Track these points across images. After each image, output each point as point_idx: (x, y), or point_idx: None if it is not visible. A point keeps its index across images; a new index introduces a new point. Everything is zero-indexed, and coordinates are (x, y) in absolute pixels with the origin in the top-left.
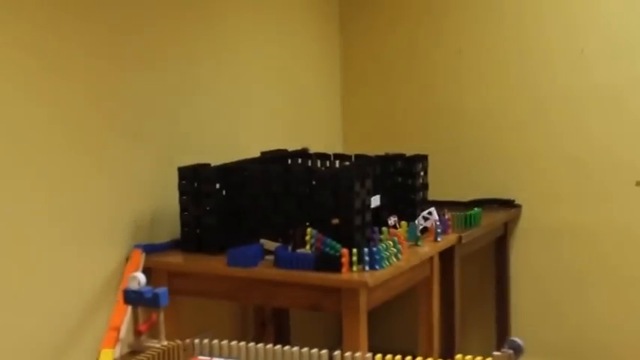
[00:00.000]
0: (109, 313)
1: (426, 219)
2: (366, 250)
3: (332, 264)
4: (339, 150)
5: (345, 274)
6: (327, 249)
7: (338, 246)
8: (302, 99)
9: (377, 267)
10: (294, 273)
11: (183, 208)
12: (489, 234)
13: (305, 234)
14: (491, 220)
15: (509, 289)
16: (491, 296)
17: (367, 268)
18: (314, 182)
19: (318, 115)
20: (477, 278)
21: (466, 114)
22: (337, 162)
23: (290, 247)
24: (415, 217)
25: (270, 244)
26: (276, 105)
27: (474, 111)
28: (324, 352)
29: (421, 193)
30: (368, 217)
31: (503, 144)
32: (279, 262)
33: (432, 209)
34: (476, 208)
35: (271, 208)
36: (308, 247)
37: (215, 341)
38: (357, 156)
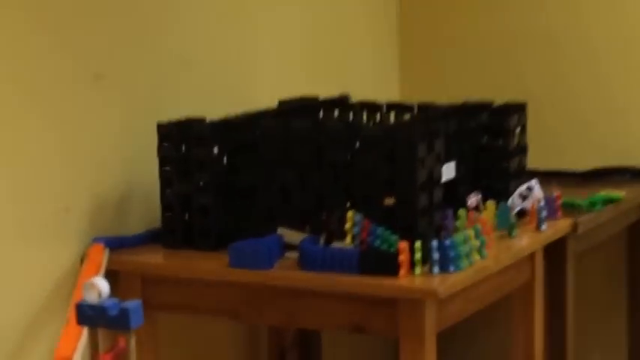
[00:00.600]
0: (54, 337)
1: (524, 198)
2: (434, 243)
3: (384, 264)
4: (395, 98)
5: (403, 279)
6: (378, 242)
7: (394, 238)
8: (339, 23)
9: (451, 268)
10: (328, 277)
11: (165, 183)
12: (619, 219)
13: (344, 220)
14: (622, 198)
15: None
16: (621, 306)
17: (437, 270)
18: (358, 144)
19: (363, 49)
20: (600, 282)
21: (579, 45)
22: (392, 115)
23: (322, 240)
24: (508, 195)
25: (292, 236)
26: (301, 32)
27: (590, 40)
28: None
29: (517, 159)
30: (438, 195)
31: (633, 88)
32: (305, 262)
33: (534, 183)
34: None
35: (294, 183)
36: (349, 239)
37: None
38: (422, 106)
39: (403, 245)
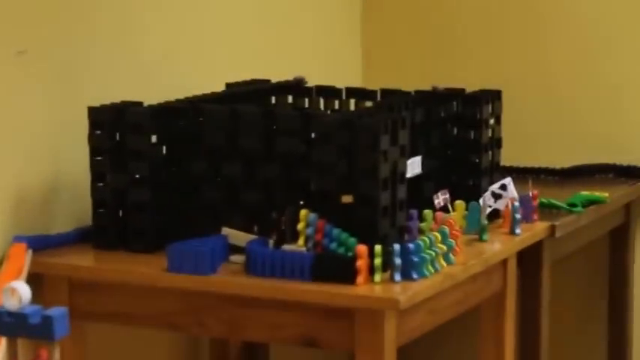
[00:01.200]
0: None
1: (497, 197)
2: (397, 247)
3: (340, 270)
4: (356, 83)
5: (361, 287)
6: (334, 245)
7: (351, 240)
8: (297, 2)
9: (414, 276)
10: (278, 284)
11: (97, 175)
12: (601, 222)
13: (297, 220)
14: (605, 199)
15: (631, 304)
16: (600, 318)
17: (398, 277)
18: (313, 134)
19: (322, 30)
20: (578, 292)
21: (562, 25)
22: (352, 101)
23: (271, 242)
24: (480, 194)
25: (238, 237)
26: (255, 11)
27: (574, 18)
28: None
29: (490, 153)
30: (402, 192)
31: (619, 74)
32: (252, 267)
33: (508, 181)
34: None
35: (241, 177)
36: (301, 241)
37: None
38: (385, 92)
39: (362, 249)
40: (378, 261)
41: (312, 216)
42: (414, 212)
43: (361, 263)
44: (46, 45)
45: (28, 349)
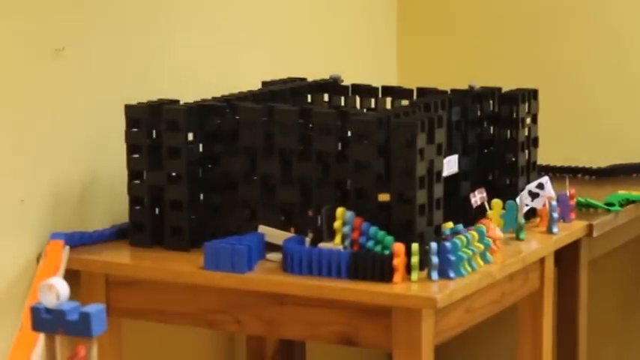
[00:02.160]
0: (6, 345)
1: (534, 196)
2: (434, 245)
3: (377, 268)
4: (392, 82)
5: (398, 286)
6: (370, 243)
7: (388, 239)
8: (332, 2)
9: (452, 274)
10: (315, 283)
11: (134, 173)
12: (638, 221)
13: (333, 218)
14: None
15: None
16: (639, 316)
17: (435, 276)
18: (349, 133)
19: (358, 29)
20: (616, 291)
21: (599, 25)
22: (388, 100)
23: (308, 240)
24: (517, 192)
25: (275, 235)
26: (291, 11)
27: (612, 19)
28: None
29: (527, 153)
30: (438, 191)
31: None
32: (289, 265)
33: (545, 180)
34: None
35: (278, 175)
36: (338, 239)
37: None
38: (422, 91)
39: (398, 247)
40: (415, 259)
41: (349, 214)
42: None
43: (398, 262)
44: (83, 43)
45: (65, 345)
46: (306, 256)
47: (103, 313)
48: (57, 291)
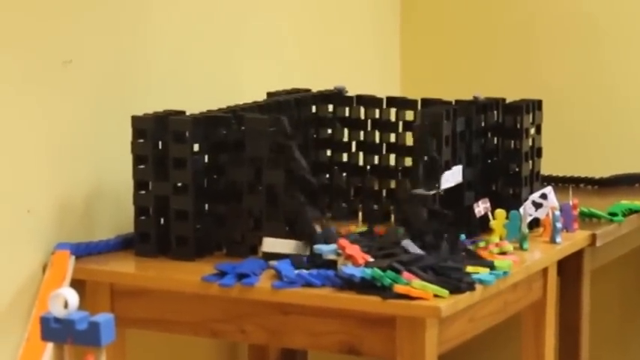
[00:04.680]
0: (12, 356)
1: (537, 206)
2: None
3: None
4: (395, 93)
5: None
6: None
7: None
8: (337, 14)
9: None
10: (319, 292)
11: (140, 183)
12: None
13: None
14: None
15: None
16: None
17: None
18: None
19: (362, 41)
20: (619, 301)
21: (604, 35)
22: (393, 110)
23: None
24: (520, 203)
25: (279, 245)
26: (296, 23)
27: (618, 29)
28: None
29: (530, 163)
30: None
31: None
32: (288, 275)
33: (548, 190)
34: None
35: (282, 185)
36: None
37: None
38: (426, 101)
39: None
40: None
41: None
42: None
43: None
44: (90, 55)
45: (74, 355)
46: (297, 283)
47: (111, 323)
48: (66, 300)
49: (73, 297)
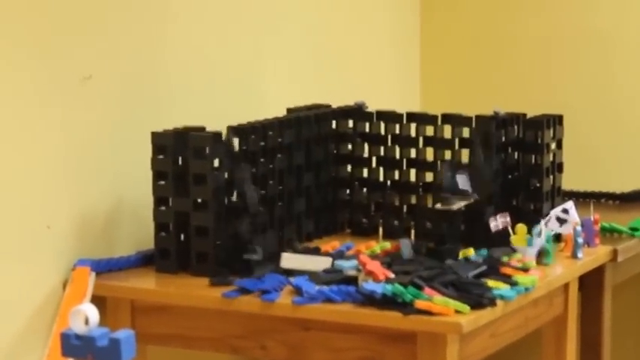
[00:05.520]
0: None
1: (561, 222)
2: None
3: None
4: (415, 108)
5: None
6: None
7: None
8: (357, 30)
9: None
10: (340, 308)
11: (160, 199)
12: None
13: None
14: None
15: None
16: None
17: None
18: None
19: (382, 57)
20: None
21: (623, 50)
22: (413, 126)
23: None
24: (541, 218)
25: (299, 260)
26: (316, 38)
27: (629, 42)
28: None
29: (551, 178)
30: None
31: None
32: (308, 291)
33: (569, 205)
34: None
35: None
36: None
37: None
38: (446, 117)
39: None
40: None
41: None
42: None
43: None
44: (110, 71)
45: None
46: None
47: (132, 339)
48: (87, 317)
49: (93, 313)
